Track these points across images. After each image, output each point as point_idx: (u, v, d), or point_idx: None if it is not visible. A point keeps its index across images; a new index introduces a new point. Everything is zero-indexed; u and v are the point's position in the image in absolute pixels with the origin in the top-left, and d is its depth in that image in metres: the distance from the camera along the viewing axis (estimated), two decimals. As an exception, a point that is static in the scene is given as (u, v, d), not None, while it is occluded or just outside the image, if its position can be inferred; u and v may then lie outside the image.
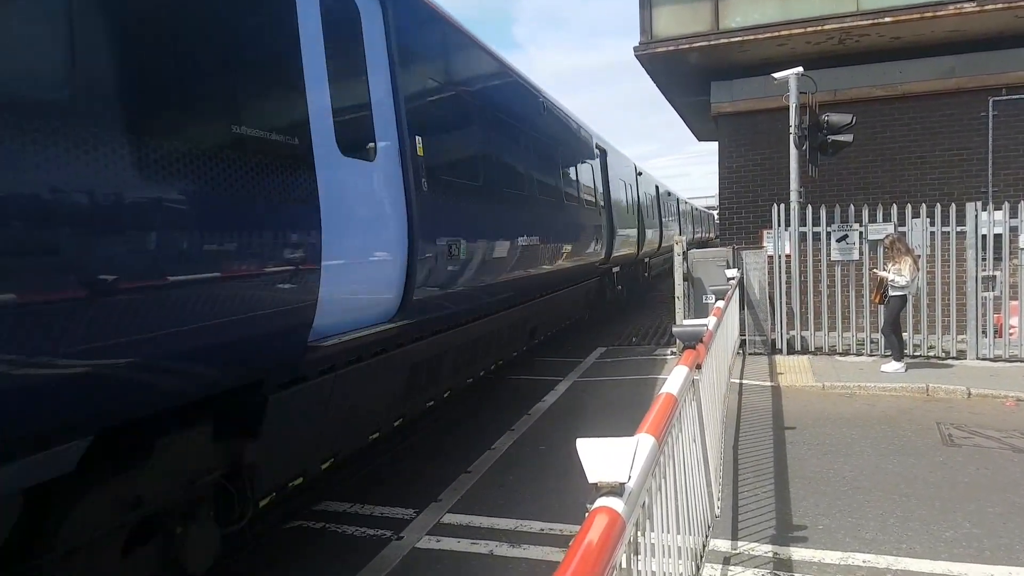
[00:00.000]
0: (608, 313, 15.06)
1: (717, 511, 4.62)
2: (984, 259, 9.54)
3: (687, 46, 11.20)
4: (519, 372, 9.76)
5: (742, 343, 10.53)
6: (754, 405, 7.80)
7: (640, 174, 19.00)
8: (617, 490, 1.79)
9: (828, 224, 10.28)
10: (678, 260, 10.90)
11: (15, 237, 2.30)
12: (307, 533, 5.02)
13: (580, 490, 1.87)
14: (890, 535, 4.49)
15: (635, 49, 11.49)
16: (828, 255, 10.35)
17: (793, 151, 10.45)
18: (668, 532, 2.61)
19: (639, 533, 2.10)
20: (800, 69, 10.34)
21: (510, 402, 8.38)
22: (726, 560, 4.20)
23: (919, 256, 9.52)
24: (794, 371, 9.35)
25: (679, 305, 10.84)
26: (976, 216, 9.52)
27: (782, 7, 10.81)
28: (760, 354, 10.51)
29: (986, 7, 9.72)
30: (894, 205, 10.03)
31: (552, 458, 6.18)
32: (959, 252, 9.66)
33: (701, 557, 3.67)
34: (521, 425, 7.39)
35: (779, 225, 10.44)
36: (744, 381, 8.90)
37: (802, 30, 10.58)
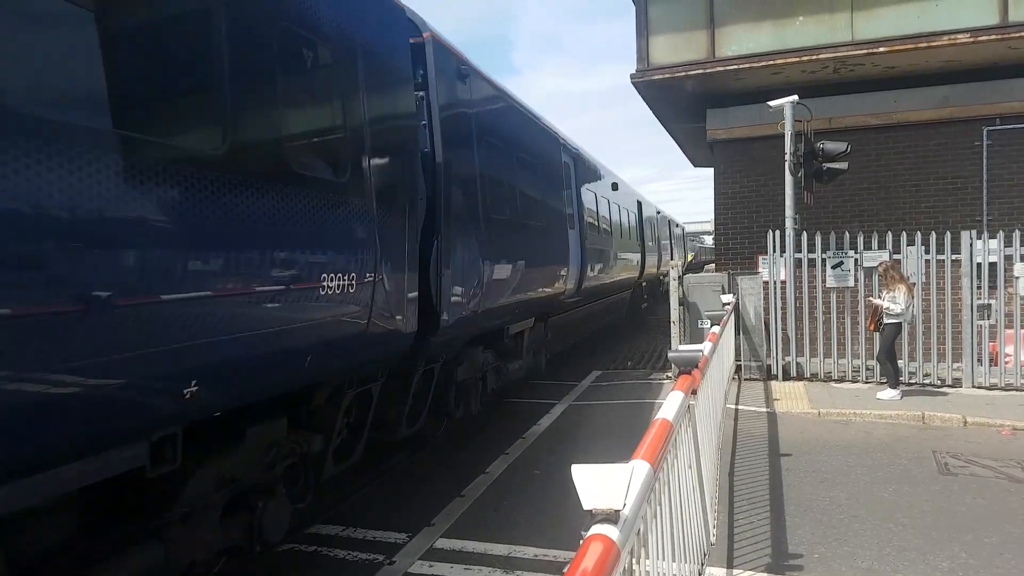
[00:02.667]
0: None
1: (713, 538, 4.58)
2: (979, 287, 9.58)
3: (683, 74, 11.33)
4: (514, 395, 9.72)
5: (738, 368, 10.52)
6: (750, 431, 7.76)
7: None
8: (612, 517, 1.78)
9: (823, 251, 10.32)
10: (674, 285, 10.92)
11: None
12: (299, 556, 4.96)
13: (575, 515, 1.85)
14: (886, 564, 4.45)
15: (632, 76, 11.61)
16: (823, 281, 10.38)
17: (788, 178, 10.52)
18: (664, 559, 2.59)
19: (634, 560, 2.08)
20: (795, 97, 10.45)
21: (505, 425, 8.33)
22: (721, 589, 4.16)
23: (914, 284, 9.56)
24: (790, 397, 9.33)
25: (675, 330, 10.84)
26: (971, 244, 9.57)
27: (777, 36, 10.96)
28: (756, 380, 10.49)
29: (980, 38, 9.88)
30: (889, 232, 10.09)
31: (547, 483, 6.13)
32: (954, 280, 9.69)
33: (696, 585, 3.62)
34: (515, 449, 7.34)
35: (775, 251, 10.48)
36: (740, 407, 8.87)
37: (797, 59, 10.71)
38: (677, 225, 32.42)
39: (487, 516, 5.53)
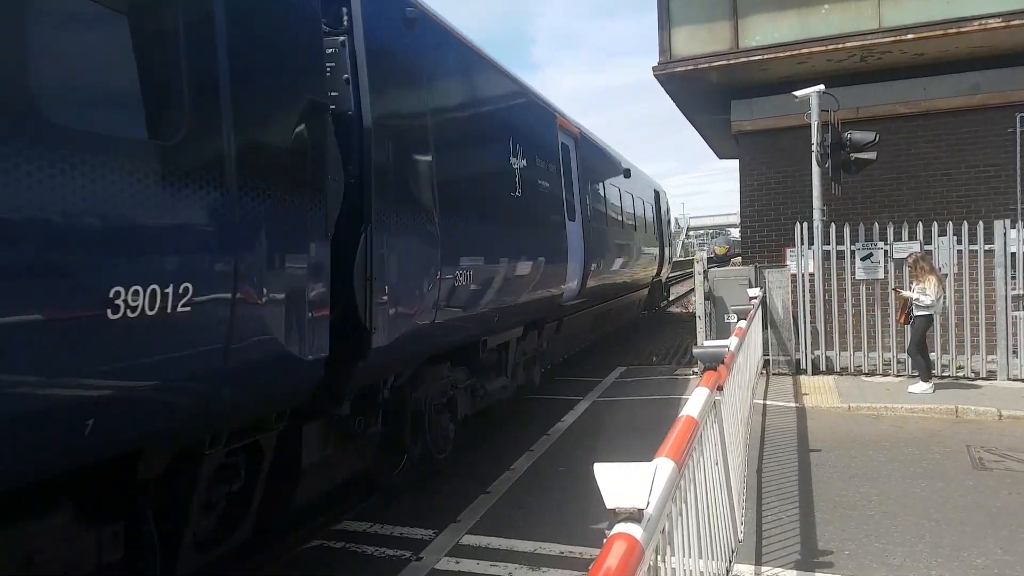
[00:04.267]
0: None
1: (740, 535, 4.54)
2: (1013, 277, 9.36)
3: (706, 65, 11.21)
4: (538, 392, 9.71)
5: (766, 363, 10.40)
6: (778, 426, 7.68)
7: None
8: (635, 516, 1.77)
9: (852, 242, 10.17)
10: (699, 279, 10.83)
11: None
12: (328, 553, 5.01)
13: (600, 513, 1.84)
14: (919, 561, 4.38)
15: (654, 69, 11.51)
16: (852, 274, 10.22)
17: (816, 169, 10.37)
18: (689, 557, 2.57)
19: (659, 558, 2.07)
20: (822, 87, 10.29)
21: (529, 422, 8.33)
22: (750, 586, 4.12)
23: (945, 275, 9.37)
24: (819, 392, 9.21)
25: (700, 325, 10.75)
26: (1005, 234, 9.36)
27: (801, 25, 10.79)
28: (784, 374, 10.36)
29: (1012, 22, 9.62)
30: (919, 223, 9.90)
31: (571, 480, 6.12)
32: (987, 271, 9.48)
33: (724, 583, 3.60)
34: (540, 446, 7.34)
35: (802, 243, 10.34)
36: (768, 402, 8.77)
37: (823, 48, 10.54)
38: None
39: (512, 513, 5.54)
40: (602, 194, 11.90)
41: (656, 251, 17.40)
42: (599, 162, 12.00)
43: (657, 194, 18.66)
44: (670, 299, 24.15)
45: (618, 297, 13.31)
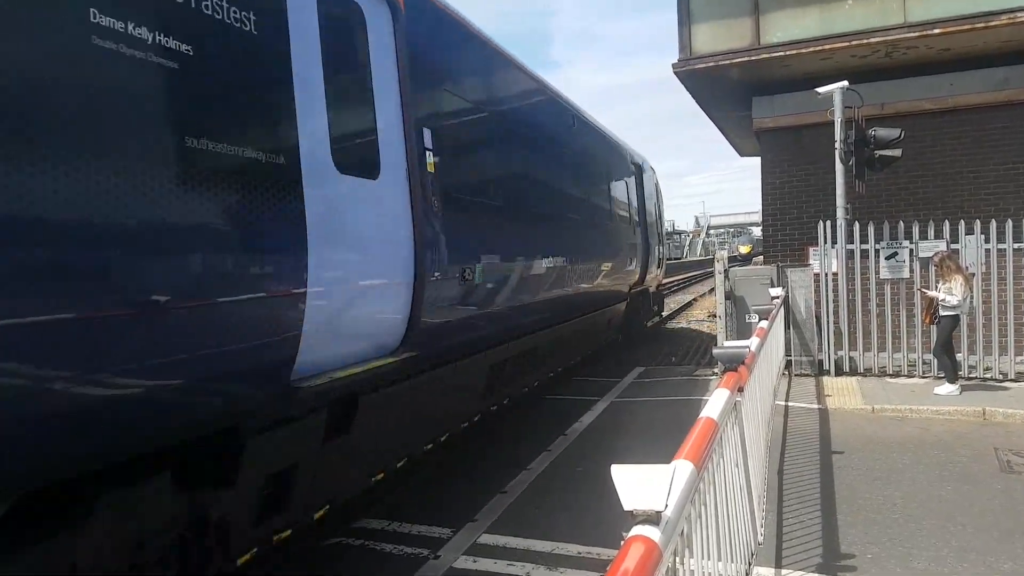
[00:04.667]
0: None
1: (761, 538, 4.48)
2: (1043, 277, 9.17)
3: (727, 62, 11.09)
4: (555, 392, 9.68)
5: (788, 364, 10.28)
6: (800, 428, 7.58)
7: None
8: (653, 518, 1.74)
9: (877, 241, 10.01)
10: (719, 278, 10.73)
11: None
12: (346, 550, 5.03)
13: (618, 514, 1.82)
14: (944, 566, 4.29)
15: (674, 66, 11.42)
16: (877, 273, 10.07)
17: (839, 166, 10.22)
18: (708, 559, 2.54)
19: (678, 560, 2.04)
20: (845, 83, 10.13)
21: (546, 422, 8.31)
22: (770, 589, 4.07)
23: (972, 274, 9.19)
24: (842, 393, 9.08)
25: (720, 325, 10.66)
26: (1034, 232, 9.17)
27: (824, 21, 10.63)
28: (807, 375, 10.24)
29: (1042, 16, 9.41)
30: (946, 221, 9.72)
31: (589, 480, 6.08)
32: (1016, 269, 9.30)
33: (744, 586, 3.55)
34: (557, 446, 7.31)
35: (825, 242, 10.21)
36: (790, 403, 8.66)
37: (846, 44, 10.38)
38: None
39: (530, 512, 5.52)
40: (482, 134, 6.87)
41: (638, 247, 13.26)
42: (472, 65, 6.71)
43: (639, 169, 13.98)
44: (663, 314, 18.64)
45: (543, 329, 8.29)
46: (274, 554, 4.58)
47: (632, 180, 13.46)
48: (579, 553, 4.74)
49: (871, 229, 10.00)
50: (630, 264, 12.64)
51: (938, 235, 9.69)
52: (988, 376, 9.37)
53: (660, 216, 16.54)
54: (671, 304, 22.53)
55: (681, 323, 19.66)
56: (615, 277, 11.52)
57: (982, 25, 9.67)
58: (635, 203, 13.51)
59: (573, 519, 5.30)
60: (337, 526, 5.29)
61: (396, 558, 4.86)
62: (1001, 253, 9.40)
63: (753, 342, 5.22)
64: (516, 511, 5.57)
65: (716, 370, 10.67)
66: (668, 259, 22.56)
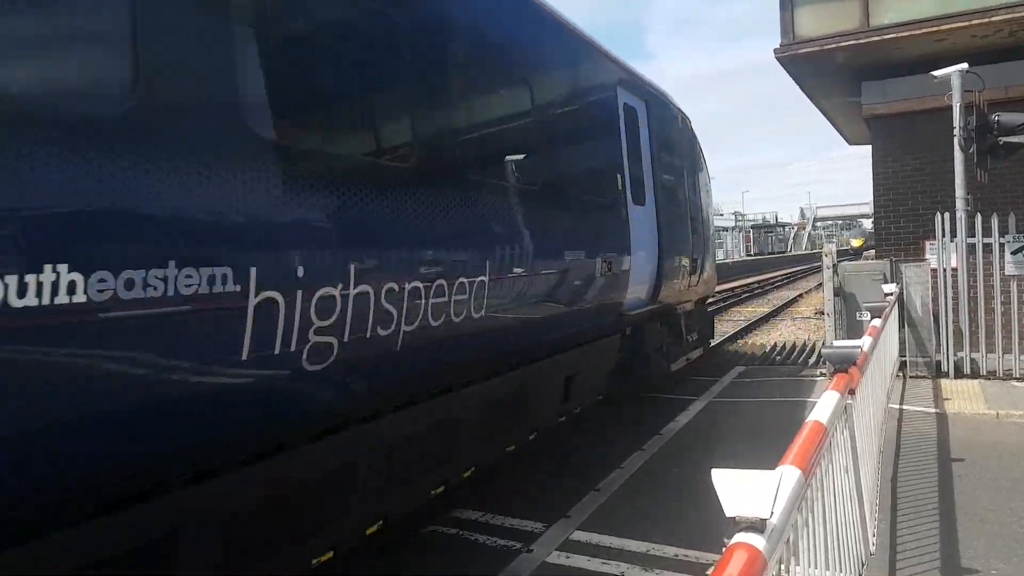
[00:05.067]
0: None
1: (872, 547, 4.25)
2: None
3: (833, 46, 10.54)
4: (650, 390, 9.53)
5: (902, 365, 9.72)
6: (916, 434, 7.14)
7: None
8: (758, 526, 1.68)
9: (1001, 234, 9.35)
10: (827, 274, 10.27)
11: None
12: (442, 538, 5.15)
13: (716, 517, 1.77)
14: (1083, 589, 3.93)
15: (776, 51, 10.97)
16: (1001, 268, 9.38)
17: (958, 155, 9.55)
18: (815, 568, 2.43)
19: (783, 568, 1.96)
20: (964, 65, 9.44)
21: (640, 421, 8.19)
22: (882, 603, 3.85)
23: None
24: (963, 397, 8.49)
25: (829, 323, 10.18)
26: None
27: (940, 0, 9.92)
28: (923, 377, 9.64)
29: None
30: (1084, 212, 8.90)
31: (684, 482, 5.95)
32: None
33: (853, 598, 3.38)
34: (652, 445, 7.20)
35: (944, 236, 9.63)
36: (904, 407, 8.18)
37: (966, 23, 9.63)
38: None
39: (623, 512, 5.46)
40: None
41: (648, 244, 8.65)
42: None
43: (682, 119, 10.34)
44: (711, 342, 12.31)
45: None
46: (378, 536, 4.73)
47: (672, 130, 10.10)
48: (676, 555, 4.65)
49: (994, 221, 9.34)
50: (601, 277, 7.73)
51: (1075, 227, 8.89)
52: None
53: (701, 189, 11.44)
54: (775, 301, 22.00)
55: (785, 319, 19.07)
56: (594, 293, 7.39)
57: None
58: (648, 161, 8.88)
59: (668, 520, 5.20)
60: (435, 514, 5.40)
61: (490, 549, 4.92)
62: None
63: (865, 341, 4.95)
64: (609, 509, 5.53)
65: (823, 370, 10.20)
66: (756, 254, 22.81)
